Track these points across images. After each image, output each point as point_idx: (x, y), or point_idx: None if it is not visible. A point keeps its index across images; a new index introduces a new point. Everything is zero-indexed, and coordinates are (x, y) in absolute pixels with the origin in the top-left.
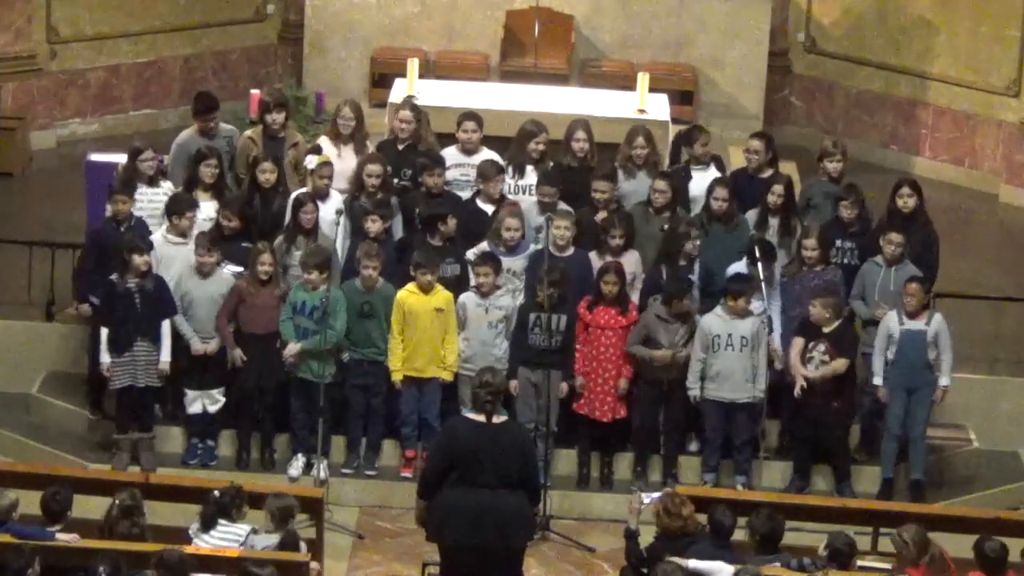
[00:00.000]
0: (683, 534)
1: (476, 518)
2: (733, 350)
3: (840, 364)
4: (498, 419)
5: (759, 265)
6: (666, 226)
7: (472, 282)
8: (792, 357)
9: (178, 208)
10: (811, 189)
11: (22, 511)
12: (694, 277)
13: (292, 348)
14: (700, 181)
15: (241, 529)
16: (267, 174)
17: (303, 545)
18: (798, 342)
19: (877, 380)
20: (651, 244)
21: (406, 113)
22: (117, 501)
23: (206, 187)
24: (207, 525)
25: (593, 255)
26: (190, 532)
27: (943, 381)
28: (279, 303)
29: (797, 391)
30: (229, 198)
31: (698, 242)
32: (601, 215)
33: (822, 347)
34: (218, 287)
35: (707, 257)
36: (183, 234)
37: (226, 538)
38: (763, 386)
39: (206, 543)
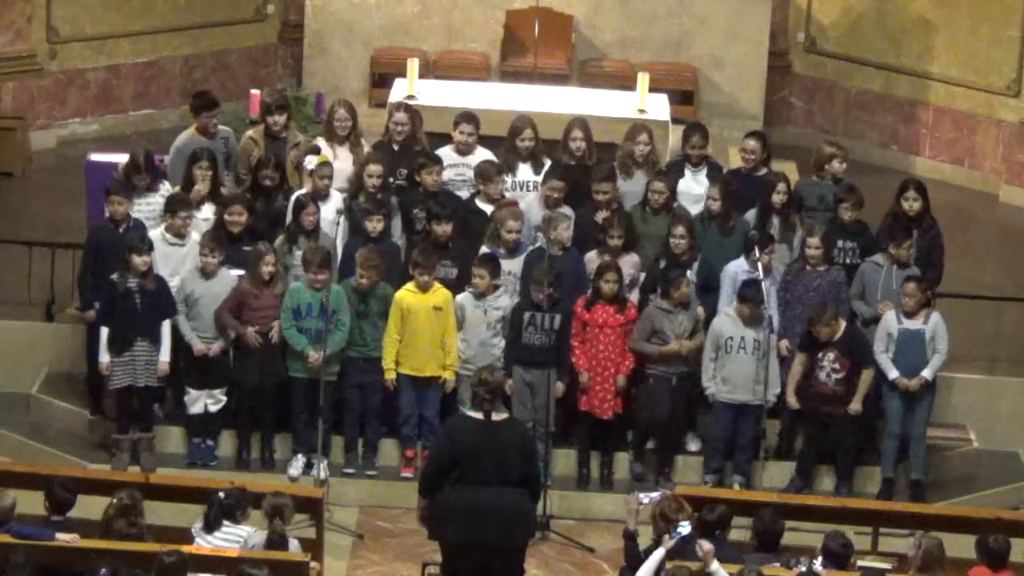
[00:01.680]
0: None
1: (477, 516)
2: (745, 353)
3: (867, 376)
4: (498, 416)
5: (758, 263)
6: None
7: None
8: (792, 372)
9: (172, 207)
10: (805, 190)
11: (22, 511)
12: (691, 273)
13: (315, 357)
14: (688, 181)
15: (243, 531)
16: (269, 176)
17: (294, 543)
18: (800, 358)
19: (893, 374)
20: (649, 244)
21: (401, 116)
22: (115, 500)
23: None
24: (211, 526)
25: (593, 254)
26: (192, 531)
27: (925, 373)
28: (280, 303)
29: (792, 403)
30: (232, 196)
31: (683, 240)
32: (603, 214)
33: (832, 355)
34: (223, 287)
35: (705, 256)
36: (178, 233)
37: (228, 539)
38: (776, 390)
39: (208, 543)
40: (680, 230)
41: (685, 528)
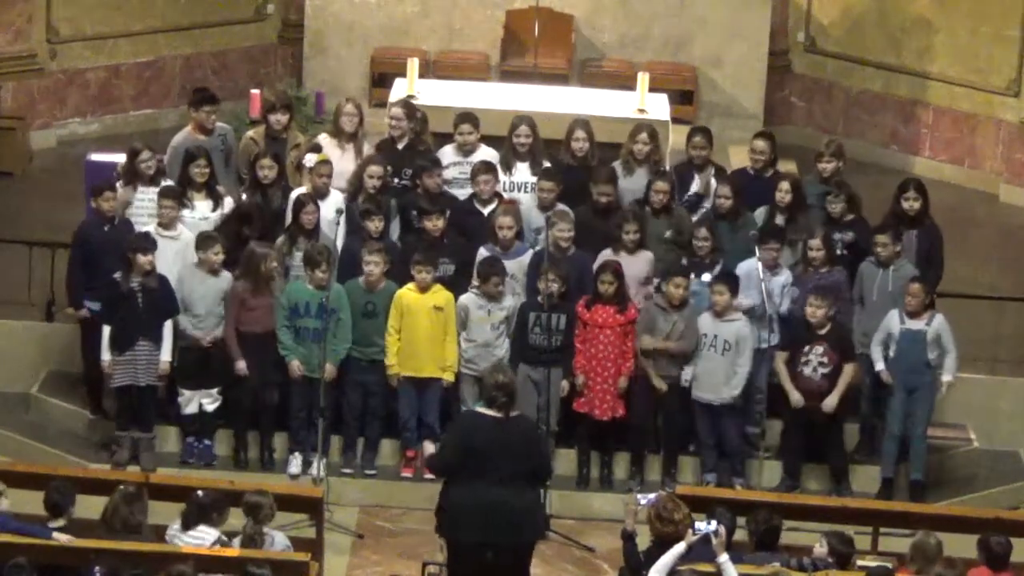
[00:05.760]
0: (677, 539)
1: (488, 515)
2: (715, 352)
3: (848, 371)
4: (512, 414)
5: (760, 257)
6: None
7: (479, 287)
8: (779, 369)
9: (158, 198)
10: (806, 189)
11: (23, 511)
12: (707, 276)
13: (295, 368)
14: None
15: (210, 535)
16: (266, 170)
17: (282, 542)
18: (782, 355)
19: (879, 366)
20: (652, 243)
21: (396, 111)
22: (121, 487)
23: (198, 187)
24: (186, 526)
25: (608, 252)
26: (168, 532)
27: (946, 377)
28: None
29: (796, 402)
30: (247, 211)
31: (706, 243)
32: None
33: (820, 349)
34: (217, 283)
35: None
36: (166, 225)
37: (197, 542)
38: (737, 390)
39: (180, 543)
40: (703, 232)
41: (710, 526)
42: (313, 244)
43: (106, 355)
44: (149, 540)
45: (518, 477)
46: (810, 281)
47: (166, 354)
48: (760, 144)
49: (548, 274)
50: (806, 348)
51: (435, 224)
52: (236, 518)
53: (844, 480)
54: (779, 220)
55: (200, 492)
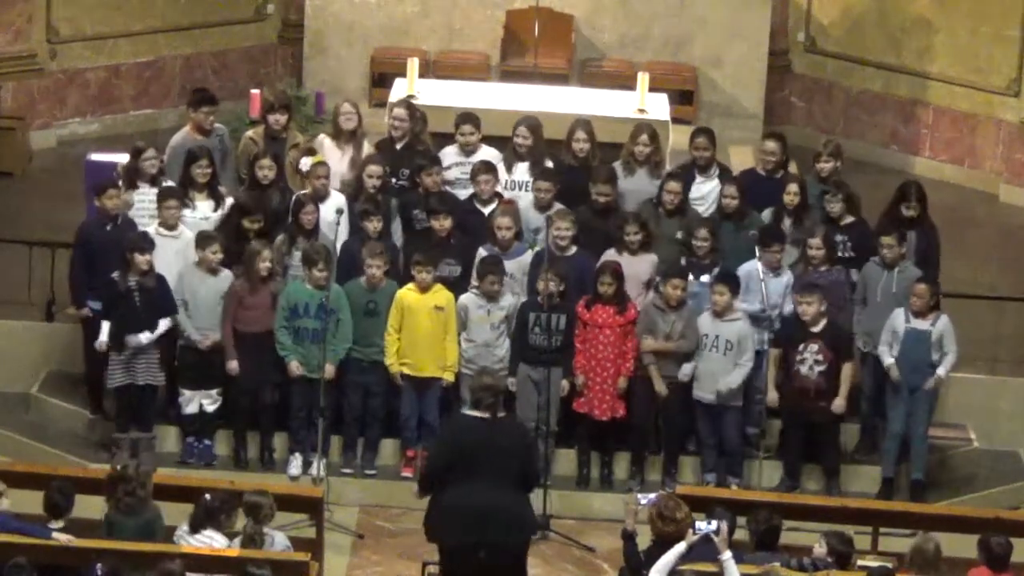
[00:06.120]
0: (678, 539)
1: (479, 517)
2: (717, 352)
3: (848, 370)
4: (499, 415)
5: (761, 256)
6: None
7: (477, 287)
8: (768, 367)
9: (159, 198)
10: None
11: (22, 511)
12: (705, 278)
13: (295, 368)
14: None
15: (218, 540)
16: (265, 170)
17: (282, 542)
18: (776, 353)
19: (888, 360)
20: (661, 245)
21: (399, 111)
22: (117, 466)
23: (200, 187)
24: (194, 528)
25: (612, 252)
26: (176, 533)
27: (940, 370)
28: (274, 302)
29: (771, 401)
30: (245, 202)
31: (705, 243)
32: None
33: (815, 347)
34: (217, 282)
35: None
36: (169, 225)
37: (204, 545)
38: (735, 383)
39: (187, 544)
40: (703, 232)
41: (710, 526)
42: (311, 243)
43: (103, 337)
44: (156, 523)
45: (509, 476)
46: (812, 280)
47: (145, 338)
48: (771, 145)
49: (548, 274)
50: (801, 347)
51: (442, 224)
52: (237, 519)
53: (834, 480)
54: (786, 222)
55: (208, 495)
